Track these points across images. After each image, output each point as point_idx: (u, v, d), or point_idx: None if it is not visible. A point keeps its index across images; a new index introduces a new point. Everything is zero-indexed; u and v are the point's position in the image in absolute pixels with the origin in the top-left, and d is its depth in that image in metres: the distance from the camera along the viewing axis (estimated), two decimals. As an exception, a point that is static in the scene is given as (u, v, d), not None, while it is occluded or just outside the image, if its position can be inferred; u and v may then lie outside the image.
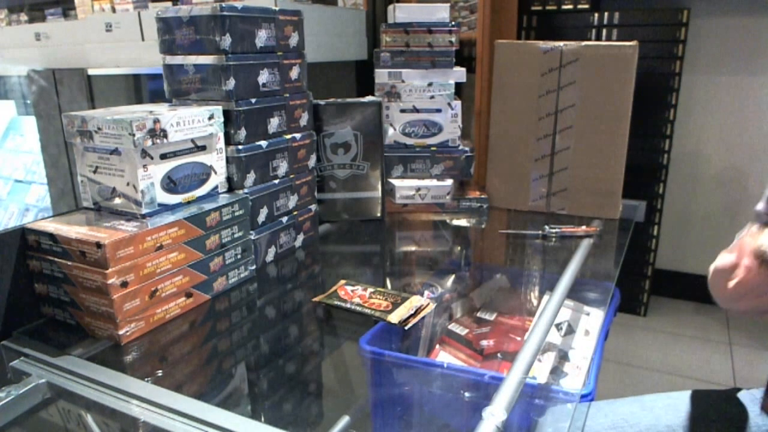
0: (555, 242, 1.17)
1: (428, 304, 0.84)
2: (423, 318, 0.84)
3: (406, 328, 0.79)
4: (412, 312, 0.82)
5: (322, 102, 1.20)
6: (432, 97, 1.36)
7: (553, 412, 0.70)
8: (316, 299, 0.89)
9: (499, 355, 0.80)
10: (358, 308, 0.84)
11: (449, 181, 1.36)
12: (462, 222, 1.33)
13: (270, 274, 1.03)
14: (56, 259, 0.78)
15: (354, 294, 0.88)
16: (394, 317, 0.80)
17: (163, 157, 0.86)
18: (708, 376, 2.03)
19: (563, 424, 0.64)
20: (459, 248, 1.24)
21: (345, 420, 0.62)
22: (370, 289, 0.89)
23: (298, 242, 1.13)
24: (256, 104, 0.99)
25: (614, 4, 2.30)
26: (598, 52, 1.27)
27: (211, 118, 0.92)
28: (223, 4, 0.93)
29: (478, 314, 0.93)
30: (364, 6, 2.14)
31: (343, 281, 0.93)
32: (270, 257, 1.05)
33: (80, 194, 0.89)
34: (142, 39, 1.95)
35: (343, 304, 0.86)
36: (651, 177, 2.30)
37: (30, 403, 0.69)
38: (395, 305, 0.84)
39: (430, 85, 1.35)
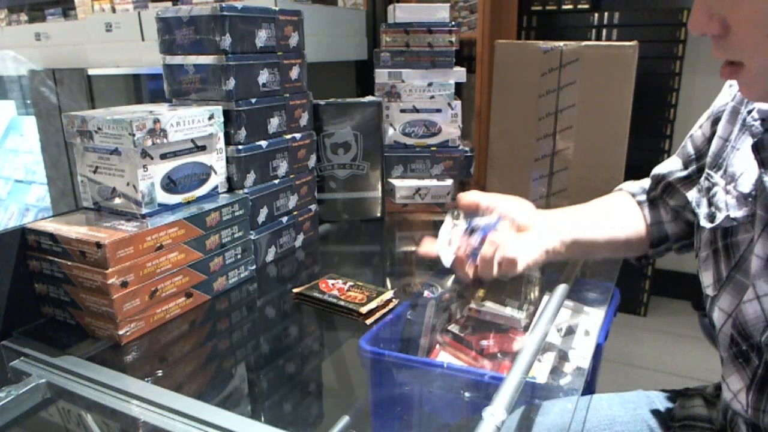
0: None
1: (392, 300, 0.87)
2: (424, 318, 0.84)
3: (367, 322, 0.82)
4: (381, 305, 0.84)
5: (322, 102, 1.20)
6: (432, 97, 1.36)
7: (554, 408, 0.70)
8: (296, 290, 0.90)
9: (499, 355, 0.80)
10: (332, 299, 0.86)
11: (449, 181, 1.36)
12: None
13: (270, 274, 1.03)
14: (56, 259, 0.78)
15: (333, 287, 0.90)
16: (364, 309, 0.83)
17: (163, 157, 0.86)
18: (708, 376, 2.03)
19: (564, 423, 0.64)
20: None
21: (345, 420, 0.62)
22: (350, 283, 0.91)
23: (298, 242, 1.13)
24: (256, 104, 0.99)
25: (614, 4, 2.30)
26: (598, 52, 1.27)
27: (211, 118, 0.92)
28: (223, 4, 0.93)
29: (478, 314, 0.93)
30: (364, 6, 2.14)
31: (326, 276, 0.94)
32: (270, 257, 1.05)
33: (80, 194, 0.89)
34: (142, 39, 1.95)
35: (320, 296, 0.87)
36: (651, 177, 2.30)
37: (30, 403, 0.69)
38: (369, 299, 0.85)
39: (430, 85, 1.35)
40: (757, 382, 0.58)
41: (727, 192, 0.63)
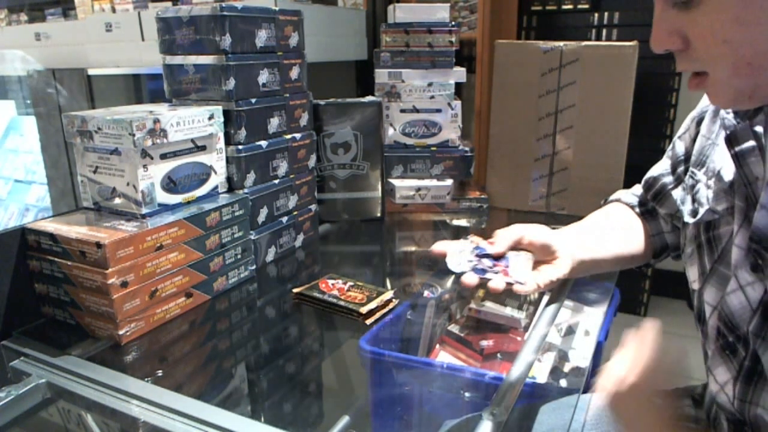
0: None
1: (392, 300, 0.87)
2: (424, 318, 0.84)
3: (367, 322, 0.82)
4: (381, 305, 0.85)
5: (322, 102, 1.20)
6: (432, 97, 1.36)
7: (554, 408, 0.70)
8: (296, 290, 0.90)
9: (499, 355, 0.80)
10: (333, 299, 0.86)
11: (449, 181, 1.36)
12: (462, 222, 1.33)
13: (270, 274, 1.03)
14: (56, 259, 0.78)
15: (333, 287, 0.90)
16: (364, 309, 0.83)
17: (163, 157, 0.86)
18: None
19: (563, 423, 0.64)
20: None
21: (345, 420, 0.62)
22: (350, 283, 0.91)
23: (298, 242, 1.13)
24: (256, 104, 0.99)
25: (614, 4, 2.29)
26: (598, 52, 1.27)
27: (211, 118, 0.92)
28: (223, 4, 0.93)
29: (478, 314, 0.93)
30: (364, 6, 2.14)
31: (326, 276, 0.94)
32: (270, 257, 1.05)
33: (80, 194, 0.89)
34: (142, 39, 1.95)
35: (320, 296, 0.87)
36: (651, 177, 2.30)
37: (30, 403, 0.69)
38: (369, 299, 0.85)
39: (430, 85, 1.35)
40: (744, 374, 0.59)
41: (708, 187, 0.64)
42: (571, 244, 0.77)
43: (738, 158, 0.58)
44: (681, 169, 0.75)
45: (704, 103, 0.72)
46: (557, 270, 0.74)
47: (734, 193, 0.60)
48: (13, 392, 0.68)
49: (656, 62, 2.15)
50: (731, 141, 0.59)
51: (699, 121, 0.72)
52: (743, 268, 0.57)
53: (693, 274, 0.67)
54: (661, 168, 0.80)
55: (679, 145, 0.76)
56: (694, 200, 0.67)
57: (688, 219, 0.67)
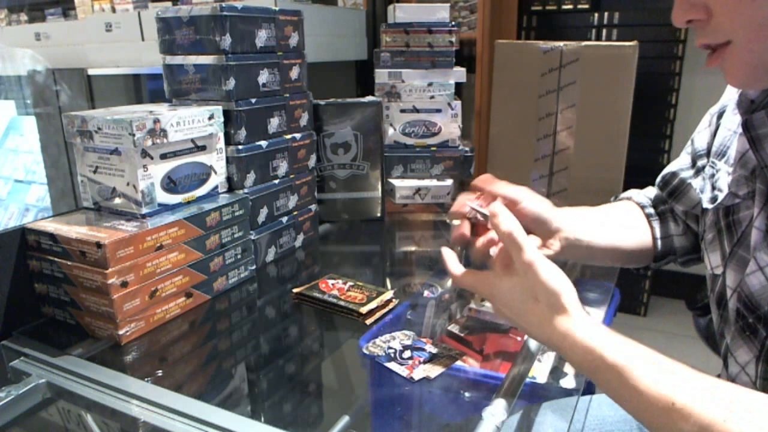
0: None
1: (392, 300, 0.86)
2: (424, 318, 0.84)
3: (367, 322, 0.81)
4: (381, 305, 0.84)
5: (322, 102, 1.20)
6: (432, 97, 1.36)
7: (554, 408, 0.70)
8: (296, 290, 0.90)
9: (499, 355, 0.80)
10: (332, 299, 0.86)
11: (449, 181, 1.36)
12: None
13: (270, 274, 1.03)
14: (56, 259, 0.78)
15: (333, 287, 0.90)
16: (364, 309, 0.83)
17: (163, 157, 0.86)
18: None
19: (563, 424, 0.64)
20: (459, 248, 1.23)
21: (345, 420, 0.62)
22: (350, 283, 0.91)
23: (298, 242, 1.13)
24: (256, 104, 0.99)
25: (614, 4, 2.29)
26: (598, 52, 1.27)
27: (211, 118, 0.92)
28: (223, 4, 0.93)
29: (478, 314, 0.93)
30: (364, 6, 2.14)
31: (326, 276, 0.94)
32: (270, 257, 1.05)
33: (80, 194, 0.89)
34: (142, 39, 1.95)
35: (320, 296, 0.87)
36: (651, 177, 2.30)
37: (30, 403, 0.69)
38: (369, 299, 0.85)
39: (430, 85, 1.35)
40: (765, 353, 0.59)
41: (729, 174, 0.66)
42: (567, 222, 0.75)
43: (755, 142, 0.59)
44: (701, 162, 0.75)
45: (725, 97, 0.73)
46: (548, 246, 0.73)
47: (755, 179, 0.61)
48: (13, 392, 0.68)
49: (656, 62, 2.15)
50: (747, 126, 0.59)
51: (720, 115, 0.73)
52: (762, 250, 0.58)
53: (715, 260, 0.67)
54: (679, 163, 0.80)
55: (698, 140, 0.77)
56: (713, 188, 0.68)
57: (707, 205, 0.68)
